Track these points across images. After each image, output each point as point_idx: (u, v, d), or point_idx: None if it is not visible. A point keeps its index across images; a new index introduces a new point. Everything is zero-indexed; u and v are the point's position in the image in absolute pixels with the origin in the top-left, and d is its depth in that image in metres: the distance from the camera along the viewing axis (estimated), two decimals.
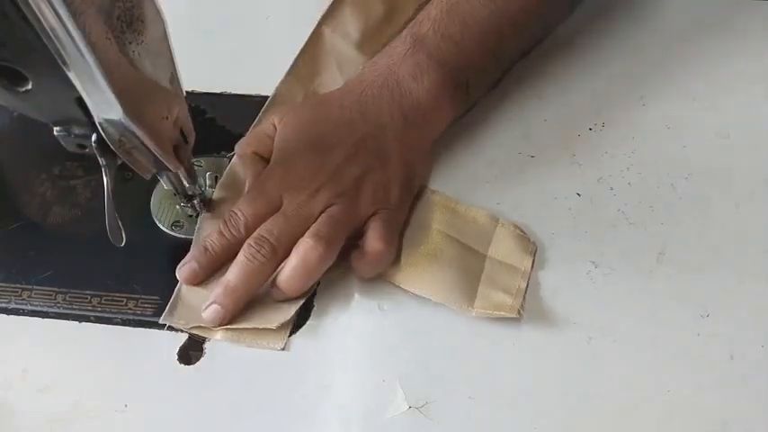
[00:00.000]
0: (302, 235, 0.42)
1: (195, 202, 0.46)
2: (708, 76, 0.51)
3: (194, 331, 0.42)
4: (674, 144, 0.49)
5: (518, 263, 0.44)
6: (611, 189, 0.47)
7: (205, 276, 0.43)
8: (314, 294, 0.44)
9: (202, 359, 0.42)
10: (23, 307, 0.44)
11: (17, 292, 0.44)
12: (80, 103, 0.33)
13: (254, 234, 0.42)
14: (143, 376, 0.41)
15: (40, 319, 0.44)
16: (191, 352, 0.42)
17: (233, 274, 0.42)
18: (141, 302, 0.44)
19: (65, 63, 0.30)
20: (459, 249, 0.45)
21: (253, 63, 0.54)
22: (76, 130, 0.36)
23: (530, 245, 0.45)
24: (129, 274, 0.45)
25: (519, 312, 0.42)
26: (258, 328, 0.41)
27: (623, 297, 0.43)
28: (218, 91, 0.53)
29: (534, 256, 0.44)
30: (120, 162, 0.37)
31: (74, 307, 0.44)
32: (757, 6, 0.55)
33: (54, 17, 0.28)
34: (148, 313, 0.43)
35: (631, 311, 0.42)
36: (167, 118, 0.37)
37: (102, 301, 0.44)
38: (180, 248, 0.46)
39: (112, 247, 0.40)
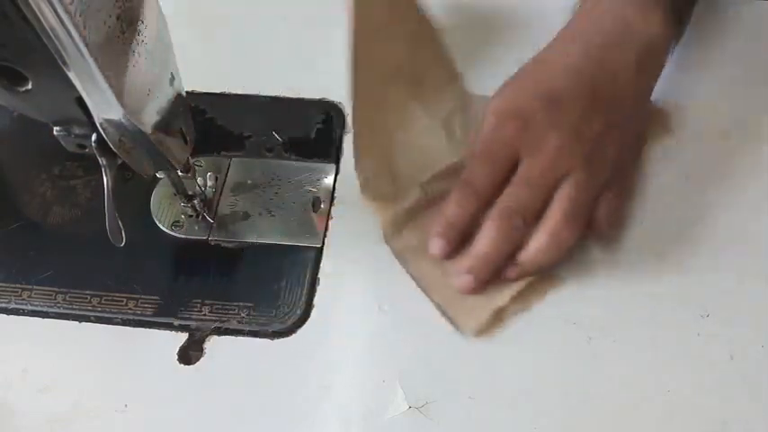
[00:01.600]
0: (546, 202, 0.41)
1: (195, 202, 0.46)
2: (708, 77, 0.51)
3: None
4: (674, 145, 0.49)
5: None
6: None
7: (453, 249, 0.43)
8: (314, 294, 0.44)
9: (202, 359, 0.42)
10: (23, 307, 0.44)
11: (17, 292, 0.44)
12: (80, 103, 0.33)
13: (502, 205, 0.41)
14: (143, 376, 0.41)
15: (40, 319, 0.44)
16: (191, 352, 0.42)
17: (486, 245, 0.41)
18: (141, 302, 0.44)
19: (65, 63, 0.30)
20: None
21: (253, 63, 0.54)
22: (76, 130, 0.36)
23: None
24: (129, 274, 0.45)
25: None
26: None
27: (623, 297, 0.43)
28: (218, 91, 0.53)
29: None
30: (120, 162, 0.37)
31: (74, 307, 0.44)
32: (758, 6, 0.55)
33: (54, 17, 0.28)
34: (148, 313, 0.43)
35: (631, 311, 0.42)
36: (167, 118, 0.37)
37: (102, 301, 0.44)
38: (180, 248, 0.46)
39: (112, 247, 0.40)
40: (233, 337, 0.43)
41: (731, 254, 0.44)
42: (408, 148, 0.47)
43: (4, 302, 0.44)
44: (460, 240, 0.43)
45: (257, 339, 0.43)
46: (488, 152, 0.42)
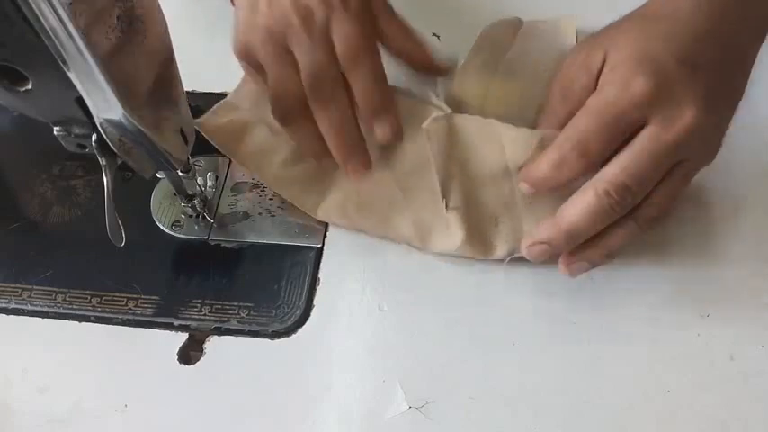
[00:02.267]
0: (661, 173, 0.36)
1: (195, 202, 0.46)
2: None
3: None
4: None
5: None
6: None
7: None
8: (314, 294, 0.44)
9: (202, 359, 0.42)
10: (23, 307, 0.44)
11: (17, 292, 0.44)
12: (80, 103, 0.33)
13: (616, 179, 0.35)
14: (143, 376, 0.41)
15: (40, 319, 0.44)
16: (191, 352, 0.42)
17: (578, 216, 0.36)
18: (141, 302, 0.44)
19: (65, 63, 0.30)
20: None
21: None
22: (76, 130, 0.36)
23: None
24: (129, 274, 0.45)
25: None
26: None
27: (623, 297, 0.43)
28: (218, 91, 0.52)
29: None
30: (120, 162, 0.37)
31: (74, 307, 0.44)
32: None
33: (54, 17, 0.28)
34: (148, 313, 0.43)
35: (631, 311, 0.42)
36: (167, 118, 0.37)
37: (102, 301, 0.44)
38: (180, 248, 0.46)
39: (112, 247, 0.40)
40: (233, 337, 0.43)
41: (732, 254, 0.44)
42: (409, 196, 0.45)
43: (4, 302, 0.44)
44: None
45: (257, 339, 0.43)
46: (613, 112, 0.36)
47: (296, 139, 0.45)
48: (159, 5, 0.34)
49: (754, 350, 0.41)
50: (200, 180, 0.46)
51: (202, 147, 0.44)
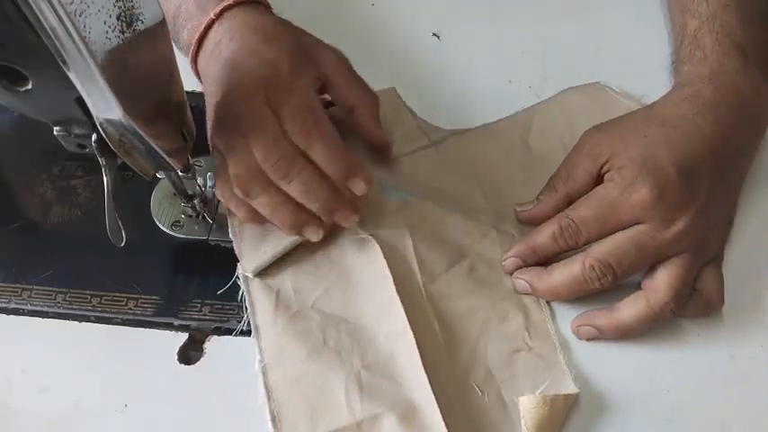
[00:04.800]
0: (646, 266, 0.40)
1: (195, 201, 0.46)
2: None
3: None
4: None
5: None
6: None
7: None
8: None
9: (202, 359, 0.42)
10: (23, 307, 0.44)
11: (17, 292, 0.44)
12: (80, 103, 0.33)
13: (601, 257, 0.40)
14: (143, 376, 0.41)
15: (40, 319, 0.44)
16: (191, 352, 0.42)
17: (562, 283, 0.41)
18: (141, 302, 0.44)
19: (65, 63, 0.30)
20: None
21: None
22: (76, 130, 0.36)
23: None
24: (129, 274, 0.45)
25: None
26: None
27: (623, 297, 0.43)
28: None
29: None
30: (120, 162, 0.37)
31: (74, 307, 0.44)
32: None
33: (54, 17, 0.28)
34: (148, 313, 0.43)
35: None
36: (167, 118, 0.37)
37: (102, 301, 0.44)
38: (180, 248, 0.46)
39: (112, 247, 0.40)
40: (233, 337, 0.43)
41: (731, 253, 0.44)
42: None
43: (4, 302, 0.44)
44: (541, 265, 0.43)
45: None
46: (612, 208, 0.40)
47: (267, 212, 0.41)
48: (159, 5, 0.34)
49: (754, 350, 0.41)
50: (200, 180, 0.46)
51: (202, 147, 0.44)
